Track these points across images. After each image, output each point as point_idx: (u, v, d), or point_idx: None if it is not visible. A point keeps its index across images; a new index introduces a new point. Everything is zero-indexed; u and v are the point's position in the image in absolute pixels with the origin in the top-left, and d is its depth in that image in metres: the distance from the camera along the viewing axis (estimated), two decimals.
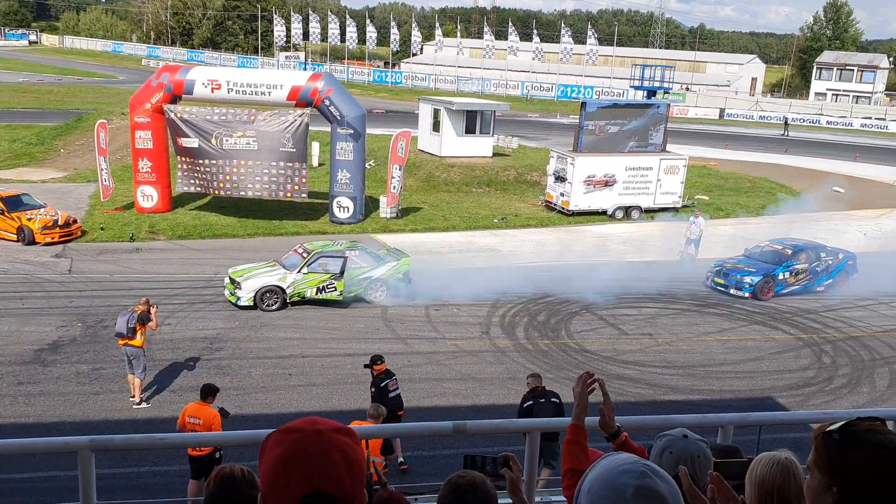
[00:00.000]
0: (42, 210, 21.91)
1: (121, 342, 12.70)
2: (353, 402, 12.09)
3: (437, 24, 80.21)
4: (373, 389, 11.12)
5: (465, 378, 14.22)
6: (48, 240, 21.08)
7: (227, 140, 23.06)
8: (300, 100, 23.48)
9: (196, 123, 23.03)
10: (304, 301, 17.39)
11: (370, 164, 30.02)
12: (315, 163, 31.93)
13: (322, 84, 23.67)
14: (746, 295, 19.41)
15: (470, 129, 32.21)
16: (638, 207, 27.91)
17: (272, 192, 23.81)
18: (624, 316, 17.84)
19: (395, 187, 25.70)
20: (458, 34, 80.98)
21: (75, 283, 18.49)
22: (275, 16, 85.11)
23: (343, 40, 79.56)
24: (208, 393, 9.80)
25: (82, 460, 2.89)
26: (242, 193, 23.98)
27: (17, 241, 21.04)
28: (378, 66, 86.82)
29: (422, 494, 4.74)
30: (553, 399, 10.19)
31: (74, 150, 34.31)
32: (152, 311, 12.87)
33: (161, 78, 23.93)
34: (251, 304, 17.05)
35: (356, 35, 78.83)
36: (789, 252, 20.15)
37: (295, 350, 15.08)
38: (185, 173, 23.79)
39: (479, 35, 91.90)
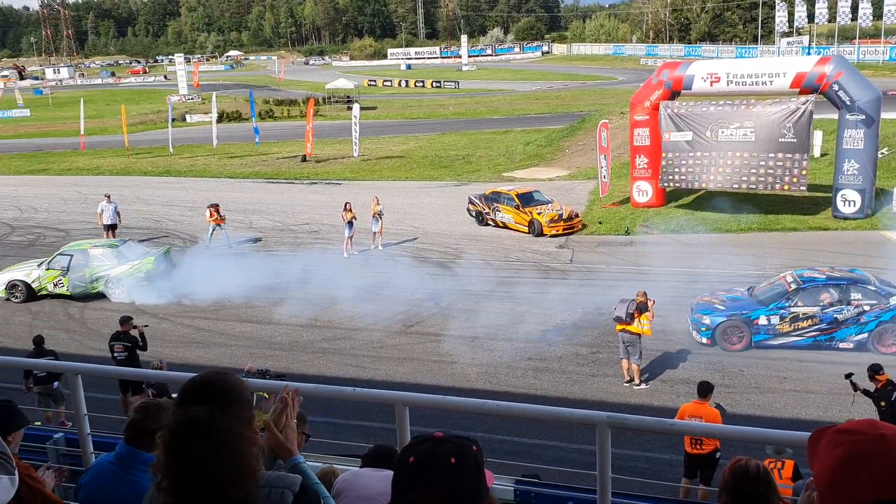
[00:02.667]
0: (549, 205, 24.25)
1: (619, 327, 13.43)
2: (853, 415, 10.96)
3: None
4: (882, 404, 9.97)
5: None
6: (554, 232, 23.27)
7: (722, 132, 22.69)
8: (804, 87, 21.95)
9: (690, 118, 23.12)
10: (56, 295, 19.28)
11: (883, 153, 26.67)
12: (817, 153, 29.51)
13: (830, 68, 21.77)
14: (705, 341, 14.71)
15: None
16: None
17: (768, 185, 22.70)
18: None
19: None
20: None
21: (575, 271, 20.10)
22: (777, 1, 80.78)
23: (854, 18, 71.90)
24: (706, 391, 9.81)
25: (600, 434, 3.16)
26: (735, 186, 23.35)
27: (528, 232, 23.63)
28: None
29: None
30: None
31: (578, 149, 37.22)
32: (650, 304, 13.33)
33: (661, 75, 24.57)
34: (4, 295, 19.38)
35: (870, 11, 70.56)
36: (793, 288, 14.70)
37: (789, 353, 14.22)
38: (667, 170, 23.98)
39: None
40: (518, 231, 24.00)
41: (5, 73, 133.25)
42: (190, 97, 71.03)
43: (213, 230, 23.46)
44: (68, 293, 19.34)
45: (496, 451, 11.04)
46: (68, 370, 4.87)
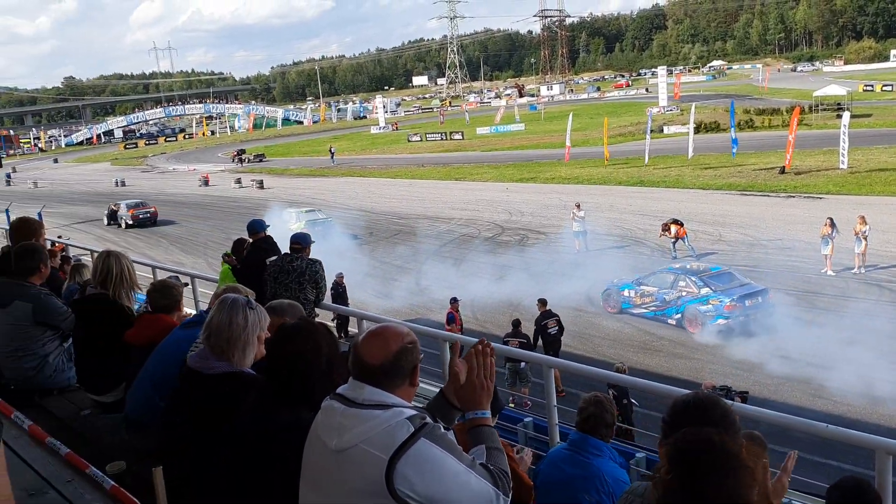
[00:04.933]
0: None
1: None
2: None
3: None
4: None
5: None
6: None
7: None
8: None
9: None
10: None
11: None
12: None
13: None
14: (601, 302, 19.69)
15: None
16: None
17: None
18: None
19: None
20: None
21: None
22: None
23: None
24: None
25: None
26: None
27: None
28: None
29: None
30: None
31: None
32: None
33: None
34: None
35: None
36: (653, 271, 19.67)
37: None
38: None
39: None
40: None
41: (508, 91, 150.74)
42: (669, 109, 72.08)
43: (676, 241, 23.70)
44: None
45: None
46: (544, 363, 5.37)
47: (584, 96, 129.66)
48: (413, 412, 2.39)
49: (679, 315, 17.80)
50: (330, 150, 67.75)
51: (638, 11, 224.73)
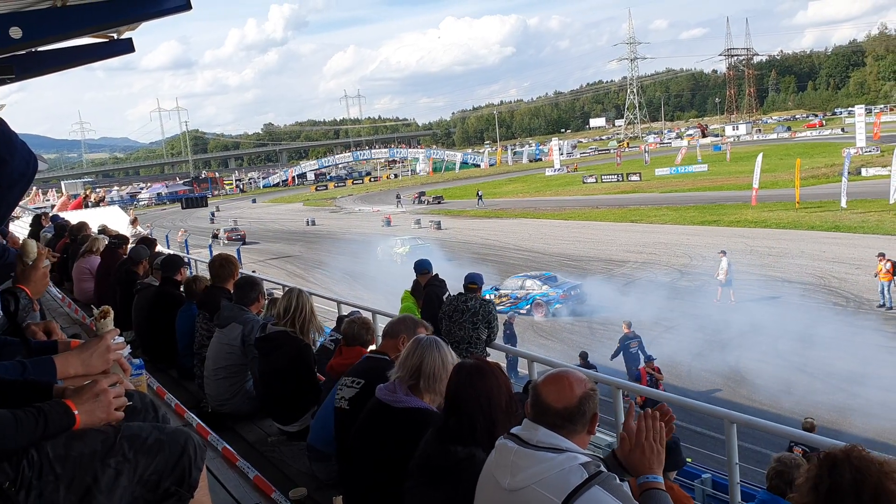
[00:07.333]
0: None
1: None
2: None
3: None
4: None
5: None
6: None
7: None
8: None
9: None
10: None
11: None
12: None
13: None
14: None
15: None
16: None
17: None
18: None
19: None
20: None
21: None
22: None
23: None
24: None
25: None
26: None
27: None
28: None
29: None
30: None
31: None
32: None
33: None
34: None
35: None
36: (506, 278, 28.33)
37: None
38: None
39: None
40: None
41: (690, 132, 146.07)
42: (868, 150, 66.96)
43: (884, 287, 21.80)
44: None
45: None
46: (724, 417, 4.96)
47: (773, 136, 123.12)
48: (587, 459, 2.35)
49: (529, 306, 25.87)
50: (477, 194, 70.12)
51: (833, 48, 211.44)
